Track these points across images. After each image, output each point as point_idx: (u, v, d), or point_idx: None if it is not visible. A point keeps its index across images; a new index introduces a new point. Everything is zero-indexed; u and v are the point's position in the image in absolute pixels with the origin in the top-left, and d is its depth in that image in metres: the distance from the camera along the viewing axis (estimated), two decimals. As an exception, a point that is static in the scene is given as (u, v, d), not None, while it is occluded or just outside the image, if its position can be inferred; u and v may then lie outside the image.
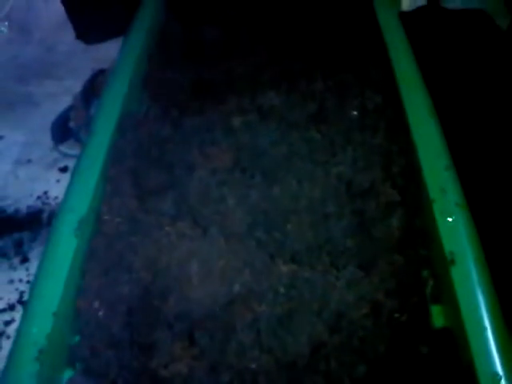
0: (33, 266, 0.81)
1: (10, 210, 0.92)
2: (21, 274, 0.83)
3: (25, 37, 1.31)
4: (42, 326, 0.44)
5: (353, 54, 0.70)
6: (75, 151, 0.91)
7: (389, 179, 0.53)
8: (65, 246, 0.49)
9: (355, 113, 0.61)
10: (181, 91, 0.69)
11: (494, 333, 0.40)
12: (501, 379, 0.38)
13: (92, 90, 0.98)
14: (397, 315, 0.45)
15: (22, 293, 0.80)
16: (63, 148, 0.98)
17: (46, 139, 1.00)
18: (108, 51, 0.95)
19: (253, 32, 0.76)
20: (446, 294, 0.45)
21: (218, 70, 0.70)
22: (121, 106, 0.64)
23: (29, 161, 1.01)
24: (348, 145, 0.56)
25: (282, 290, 0.46)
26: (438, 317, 0.45)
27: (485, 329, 0.40)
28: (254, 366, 0.43)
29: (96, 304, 0.47)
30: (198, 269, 0.47)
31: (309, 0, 0.79)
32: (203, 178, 0.55)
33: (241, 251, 0.48)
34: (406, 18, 0.82)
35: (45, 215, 0.90)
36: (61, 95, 1.08)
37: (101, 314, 0.47)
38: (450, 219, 0.47)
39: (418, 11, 0.84)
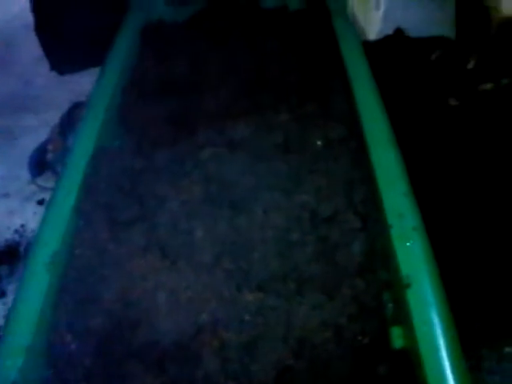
0: (10, 300, 0.82)
1: (-12, 244, 0.94)
2: (-3, 308, 0.84)
3: (3, 71, 1.34)
4: (15, 360, 0.46)
5: (317, 86, 0.73)
6: (52, 184, 0.93)
7: (351, 207, 0.56)
8: (38, 280, 0.51)
9: (319, 143, 0.64)
10: (154, 125, 0.72)
11: (447, 353, 0.43)
12: (454, 398, 0.41)
13: (69, 122, 1.01)
14: (359, 338, 0.48)
15: (-1, 327, 0.81)
16: (40, 181, 1.00)
17: (24, 173, 1.02)
18: (85, 84, 0.98)
19: (223, 66, 0.79)
20: (404, 315, 0.48)
21: (190, 103, 0.73)
22: (95, 139, 0.67)
23: (6, 194, 1.03)
24: (312, 174, 0.59)
25: (247, 317, 0.48)
26: (397, 338, 0.48)
27: (438, 349, 0.43)
28: (220, 392, 0.45)
29: (68, 337, 0.49)
30: (167, 300, 0.50)
31: (275, 36, 0.83)
32: (173, 209, 0.58)
33: (208, 281, 0.51)
34: (372, 48, 0.86)
35: (22, 248, 0.92)
36: (39, 128, 1.11)
37: (73, 346, 0.49)
38: (407, 243, 0.50)
39: (384, 40, 0.88)
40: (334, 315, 0.49)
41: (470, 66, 0.81)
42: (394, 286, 0.50)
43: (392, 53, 0.88)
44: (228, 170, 0.61)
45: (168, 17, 0.93)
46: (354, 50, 0.79)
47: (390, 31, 0.90)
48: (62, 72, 1.06)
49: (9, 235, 0.94)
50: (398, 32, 0.90)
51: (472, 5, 0.80)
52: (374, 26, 1.05)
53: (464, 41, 0.80)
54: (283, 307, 0.49)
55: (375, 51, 0.86)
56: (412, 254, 0.49)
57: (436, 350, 0.43)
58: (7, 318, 0.51)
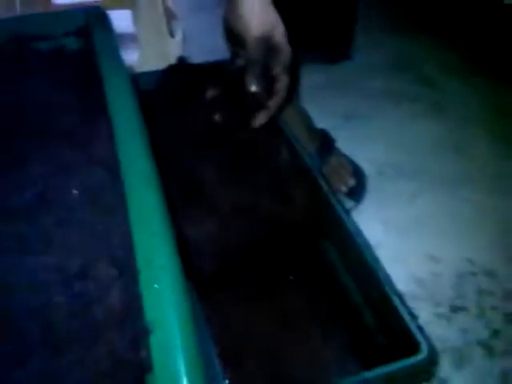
0: None
1: None
2: None
3: None
4: None
5: (78, 129, 0.70)
6: None
7: (107, 256, 0.54)
8: None
9: (76, 192, 0.61)
10: None
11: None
12: None
13: None
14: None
15: None
16: None
17: None
18: None
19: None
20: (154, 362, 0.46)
21: None
22: None
23: None
24: (64, 227, 0.56)
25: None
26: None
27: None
28: None
29: None
30: None
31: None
32: None
33: None
34: (152, 78, 0.86)
35: None
36: None
37: None
38: (155, 285, 0.48)
39: (169, 69, 0.86)
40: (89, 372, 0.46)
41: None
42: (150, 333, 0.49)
43: (170, 83, 0.88)
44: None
45: None
46: (119, 87, 0.77)
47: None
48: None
49: None
50: (181, 60, 0.90)
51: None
52: (173, 52, 1.06)
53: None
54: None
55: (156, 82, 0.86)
56: (159, 297, 0.48)
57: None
58: None
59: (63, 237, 0.54)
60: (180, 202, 0.74)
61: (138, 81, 0.93)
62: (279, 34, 0.70)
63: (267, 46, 0.70)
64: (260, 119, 0.72)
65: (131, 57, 1.22)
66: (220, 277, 0.72)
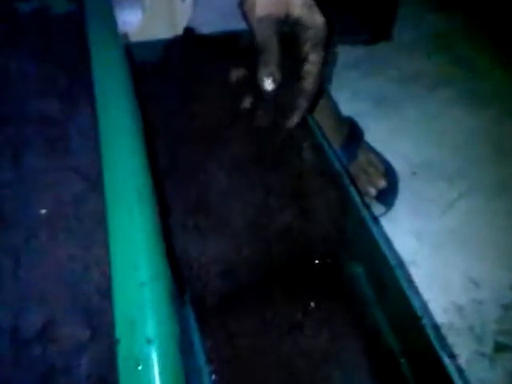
0: None
1: None
2: None
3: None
4: None
5: (54, 119, 0.56)
6: None
7: (76, 309, 0.40)
8: None
9: (44, 211, 0.47)
10: None
11: None
12: None
13: None
14: None
15: None
16: None
17: None
18: None
19: None
20: None
21: None
22: None
23: None
24: (20, 265, 0.42)
25: None
26: None
27: None
28: None
29: None
30: None
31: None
32: None
33: None
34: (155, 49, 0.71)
35: None
36: None
37: None
38: (138, 367, 0.35)
39: (177, 40, 0.71)
40: None
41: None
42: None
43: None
44: None
45: None
46: (108, 66, 0.62)
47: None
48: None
49: None
50: (188, 31, 0.75)
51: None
52: (181, 19, 0.90)
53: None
54: None
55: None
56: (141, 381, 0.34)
57: None
58: None
59: (17, 279, 0.40)
60: (181, 211, 0.59)
61: (135, 51, 0.77)
62: (297, 6, 0.54)
63: (285, 25, 0.55)
64: (291, 121, 0.57)
65: (131, 18, 1.04)
66: (228, 303, 0.58)
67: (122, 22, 0.88)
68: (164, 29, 0.94)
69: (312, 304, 0.65)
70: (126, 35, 0.93)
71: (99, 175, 0.48)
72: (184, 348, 0.39)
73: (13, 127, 0.51)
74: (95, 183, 0.46)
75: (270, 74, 0.57)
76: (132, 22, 1.07)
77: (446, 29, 1.27)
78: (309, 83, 0.60)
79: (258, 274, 0.64)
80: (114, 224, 0.42)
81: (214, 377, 0.56)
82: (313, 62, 0.59)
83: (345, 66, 1.01)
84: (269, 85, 0.57)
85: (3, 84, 0.60)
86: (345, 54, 1.03)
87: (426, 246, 0.81)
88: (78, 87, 0.61)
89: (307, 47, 0.59)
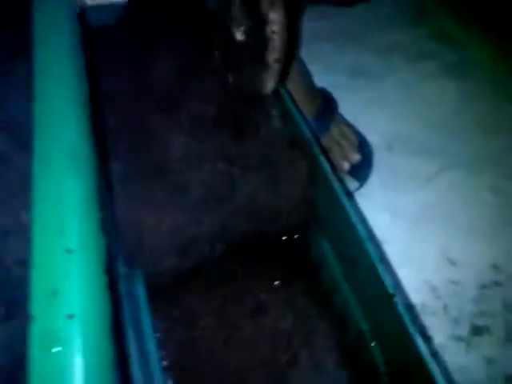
0: None
1: None
2: None
3: None
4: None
5: None
6: None
7: None
8: None
9: None
10: None
11: None
12: None
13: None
14: None
15: None
16: None
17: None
18: None
19: None
20: None
21: None
22: None
23: None
24: None
25: None
26: None
27: None
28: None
29: None
30: None
31: None
32: None
33: None
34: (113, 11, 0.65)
35: None
36: None
37: None
38: (52, 350, 0.29)
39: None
40: None
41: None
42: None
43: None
44: None
45: None
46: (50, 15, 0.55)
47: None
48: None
49: None
50: None
51: None
52: None
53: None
54: None
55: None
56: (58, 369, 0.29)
57: None
58: None
59: None
60: (133, 177, 0.53)
61: (90, 14, 0.71)
62: None
63: None
64: (268, 84, 0.52)
65: None
66: (184, 281, 0.53)
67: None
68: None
69: (277, 283, 0.60)
70: None
71: (30, 134, 0.42)
72: (130, 328, 0.34)
73: None
74: (24, 142, 0.40)
75: (238, 25, 0.52)
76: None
77: (425, 1, 1.22)
78: (274, 45, 0.55)
79: (218, 250, 0.59)
80: (41, 185, 0.36)
81: (165, 363, 0.51)
82: (274, 21, 0.54)
83: (317, 35, 0.96)
84: (238, 35, 0.53)
85: None
86: (316, 23, 0.97)
87: (401, 222, 0.76)
88: (17, 41, 0.55)
89: (265, 6, 0.54)
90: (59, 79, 0.45)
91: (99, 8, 0.72)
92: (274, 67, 0.57)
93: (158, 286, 0.56)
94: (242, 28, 0.57)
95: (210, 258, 0.59)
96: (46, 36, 0.51)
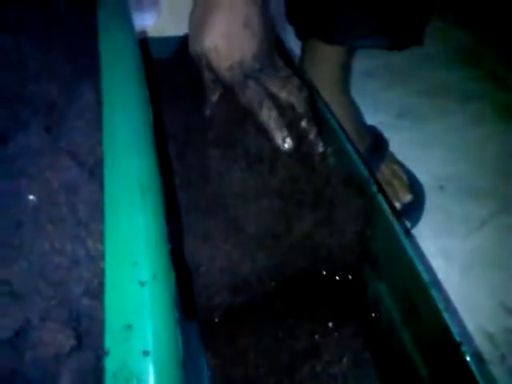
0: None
1: None
2: None
3: None
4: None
5: (53, 102, 0.50)
6: None
7: (62, 313, 0.34)
8: None
9: (32, 198, 0.41)
10: None
11: None
12: None
13: None
14: None
15: None
16: None
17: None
18: None
19: None
20: None
21: None
22: None
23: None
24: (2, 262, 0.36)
25: None
26: None
27: None
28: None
29: None
30: None
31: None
32: None
33: None
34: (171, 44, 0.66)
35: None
36: None
37: None
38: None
39: None
40: None
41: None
42: None
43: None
44: None
45: None
46: (119, 49, 0.56)
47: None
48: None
49: None
50: None
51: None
52: None
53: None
54: None
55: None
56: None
57: None
58: None
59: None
60: (191, 212, 0.53)
61: (152, 46, 0.72)
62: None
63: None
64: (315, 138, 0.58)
65: (146, 22, 1.00)
66: (236, 319, 0.52)
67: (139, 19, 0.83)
68: (182, 25, 0.89)
69: (330, 325, 0.58)
70: (143, 32, 0.89)
71: (98, 163, 0.42)
72: (186, 365, 0.33)
73: (7, 105, 0.46)
74: (90, 170, 0.40)
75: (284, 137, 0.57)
76: (148, 22, 1.02)
77: (474, 43, 1.21)
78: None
79: (272, 288, 0.57)
80: (113, 217, 0.35)
81: (219, 402, 0.50)
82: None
83: (363, 74, 0.95)
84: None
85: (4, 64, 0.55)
86: (363, 62, 0.97)
87: (454, 266, 0.74)
88: (83, 73, 0.56)
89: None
90: (127, 109, 0.45)
91: (159, 40, 0.73)
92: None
93: (210, 323, 0.55)
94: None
95: (263, 295, 0.57)
96: (112, 65, 0.52)
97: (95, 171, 0.40)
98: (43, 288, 0.32)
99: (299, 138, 0.57)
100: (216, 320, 0.55)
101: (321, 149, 0.61)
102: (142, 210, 0.36)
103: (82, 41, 0.60)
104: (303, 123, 0.55)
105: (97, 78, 0.51)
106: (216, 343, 0.54)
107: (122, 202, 0.36)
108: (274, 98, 0.56)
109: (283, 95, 0.55)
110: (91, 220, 0.37)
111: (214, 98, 0.58)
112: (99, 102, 0.47)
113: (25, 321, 0.31)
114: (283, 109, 0.56)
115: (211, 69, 0.55)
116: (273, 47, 0.59)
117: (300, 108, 0.55)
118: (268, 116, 0.53)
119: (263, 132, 0.56)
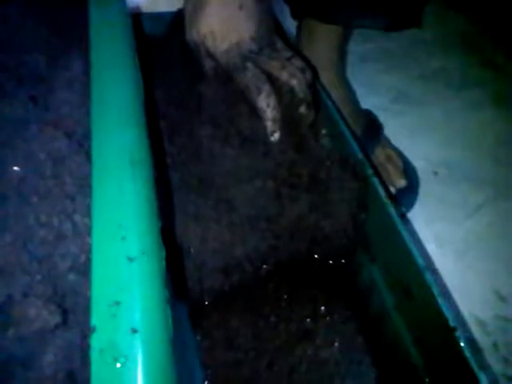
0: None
1: None
2: None
3: None
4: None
5: (41, 75, 0.49)
6: None
7: (46, 288, 0.33)
8: None
9: (16, 169, 0.39)
10: None
11: None
12: None
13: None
14: None
15: None
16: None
17: None
18: None
19: None
20: None
21: None
22: None
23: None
24: None
25: None
26: None
27: None
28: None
29: None
30: None
31: None
32: None
33: None
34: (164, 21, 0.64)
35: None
36: None
37: None
38: (117, 365, 0.27)
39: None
40: None
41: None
42: None
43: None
44: None
45: None
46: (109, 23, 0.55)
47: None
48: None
49: None
50: None
51: None
52: None
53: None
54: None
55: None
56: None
57: None
58: None
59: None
60: (182, 191, 0.52)
61: (145, 22, 0.70)
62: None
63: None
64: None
65: None
66: (227, 301, 0.51)
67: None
68: (175, 1, 0.87)
69: (323, 309, 0.57)
70: (136, 7, 0.87)
71: (86, 135, 0.41)
72: (175, 346, 0.32)
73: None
74: (78, 142, 0.38)
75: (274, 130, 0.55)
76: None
77: (472, 29, 1.20)
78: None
79: (264, 271, 0.56)
80: (101, 190, 0.34)
81: (207, 383, 0.49)
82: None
83: (362, 58, 0.94)
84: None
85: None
86: (359, 45, 0.96)
87: (448, 252, 0.73)
88: (72, 45, 0.54)
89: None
90: (117, 83, 0.44)
91: (152, 16, 0.71)
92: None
93: (200, 305, 0.54)
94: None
95: (255, 278, 0.56)
96: (102, 38, 0.50)
97: (83, 143, 0.39)
98: (27, 263, 0.31)
99: (296, 122, 0.56)
100: (207, 302, 0.54)
101: (316, 132, 0.60)
102: (131, 183, 0.34)
103: (72, 13, 0.58)
104: (302, 109, 0.54)
105: (86, 51, 0.49)
106: (207, 326, 0.53)
107: (110, 175, 0.35)
108: (273, 80, 0.54)
109: (284, 77, 0.53)
110: (79, 193, 0.35)
111: (213, 81, 0.56)
112: (88, 74, 0.45)
113: (7, 296, 0.29)
114: (282, 94, 0.54)
115: (210, 55, 0.54)
116: (272, 28, 0.58)
117: (300, 93, 0.54)
118: (266, 103, 0.52)
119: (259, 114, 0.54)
